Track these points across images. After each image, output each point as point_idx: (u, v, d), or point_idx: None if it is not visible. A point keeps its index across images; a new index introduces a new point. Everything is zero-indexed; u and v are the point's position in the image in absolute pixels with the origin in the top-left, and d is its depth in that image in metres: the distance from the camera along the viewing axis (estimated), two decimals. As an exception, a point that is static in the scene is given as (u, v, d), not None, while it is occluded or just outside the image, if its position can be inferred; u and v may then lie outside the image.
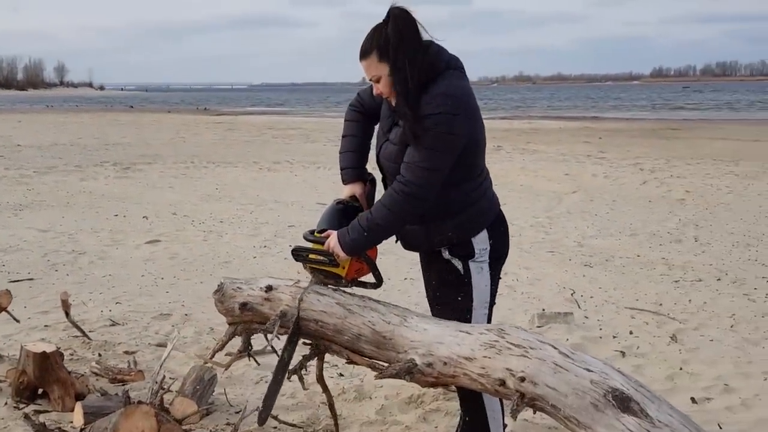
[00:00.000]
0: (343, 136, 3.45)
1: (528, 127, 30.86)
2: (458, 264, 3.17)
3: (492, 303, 3.28)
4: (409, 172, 2.98)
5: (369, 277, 3.31)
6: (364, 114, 3.40)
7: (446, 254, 3.19)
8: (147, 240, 8.74)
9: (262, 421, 3.41)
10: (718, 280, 7.17)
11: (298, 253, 3.26)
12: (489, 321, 3.27)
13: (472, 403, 3.27)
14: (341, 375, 4.80)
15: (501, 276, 3.36)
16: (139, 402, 3.38)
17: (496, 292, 3.30)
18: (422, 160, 2.94)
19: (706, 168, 15.46)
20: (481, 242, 3.18)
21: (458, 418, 3.94)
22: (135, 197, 11.98)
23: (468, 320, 3.15)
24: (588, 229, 9.67)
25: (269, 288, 3.32)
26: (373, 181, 3.39)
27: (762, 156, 17.62)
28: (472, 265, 3.17)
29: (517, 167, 15.92)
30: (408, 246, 3.36)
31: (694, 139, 23.25)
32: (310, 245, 3.24)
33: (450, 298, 3.22)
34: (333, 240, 3.12)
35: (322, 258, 3.19)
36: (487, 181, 3.24)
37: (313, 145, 21.85)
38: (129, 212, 10.57)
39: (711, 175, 14.44)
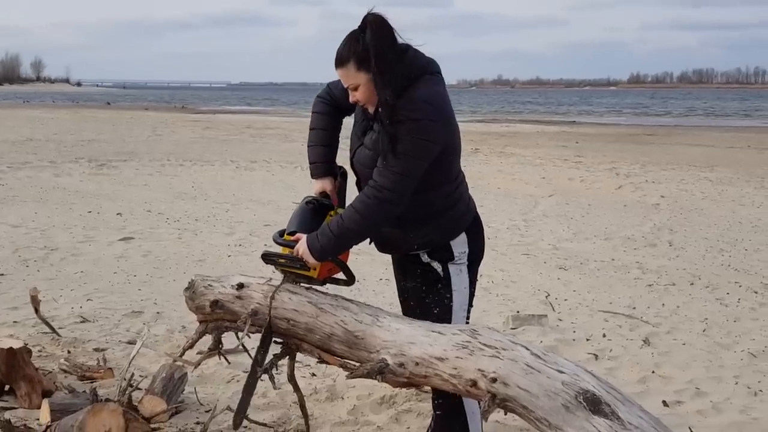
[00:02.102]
0: (311, 129, 3.37)
1: (505, 131, 30.96)
2: (438, 267, 3.15)
3: (470, 305, 3.27)
4: (381, 177, 2.93)
5: (342, 273, 3.28)
6: (333, 106, 3.33)
7: (425, 258, 3.16)
8: (120, 237, 8.66)
9: (236, 425, 3.39)
10: (692, 284, 7.22)
11: (269, 258, 3.22)
12: (467, 320, 3.25)
13: (450, 403, 3.24)
14: (313, 375, 4.77)
15: (477, 278, 3.34)
16: (107, 400, 3.34)
17: (473, 294, 3.28)
18: (396, 165, 2.90)
19: (681, 174, 15.59)
20: (460, 245, 3.16)
21: (430, 419, 3.94)
22: (109, 194, 11.87)
23: (448, 323, 3.13)
24: (563, 232, 9.71)
25: (241, 286, 3.28)
26: (344, 175, 3.35)
27: (736, 162, 17.79)
28: (451, 267, 3.16)
29: (494, 170, 15.96)
30: (383, 249, 3.32)
31: (670, 145, 23.42)
32: (279, 250, 3.20)
33: (430, 302, 3.19)
34: (302, 246, 3.07)
35: (292, 263, 3.15)
36: (463, 185, 3.22)
37: (291, 144, 21.78)
38: (103, 209, 10.47)
39: (686, 180, 14.56)
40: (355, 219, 2.98)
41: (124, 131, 25.50)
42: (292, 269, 3.18)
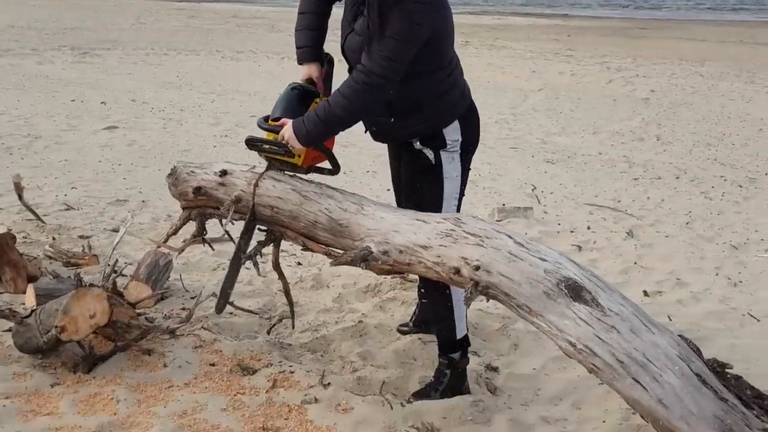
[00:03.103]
0: (299, 13, 3.27)
1: (497, 23, 30.38)
2: (430, 154, 3.12)
3: (461, 194, 3.26)
4: (370, 61, 2.85)
5: (327, 163, 3.25)
6: None
7: (417, 144, 3.13)
8: (104, 126, 8.55)
9: (219, 309, 3.42)
10: (677, 178, 7.24)
11: (253, 143, 3.17)
12: (458, 210, 3.25)
13: (436, 292, 3.27)
14: (299, 264, 4.80)
15: (470, 168, 3.32)
16: (91, 285, 3.35)
17: (466, 183, 3.27)
18: (385, 49, 2.82)
19: (672, 68, 15.41)
20: (453, 133, 3.13)
21: (414, 306, 3.99)
22: (93, 83, 11.66)
23: (438, 210, 3.13)
24: (552, 126, 9.65)
25: (224, 173, 3.25)
26: (330, 62, 3.26)
27: (727, 57, 17.59)
28: (443, 155, 3.13)
29: (484, 63, 15.73)
30: (378, 137, 3.29)
31: (662, 39, 23.08)
32: (264, 135, 3.15)
33: (421, 189, 3.18)
34: (288, 131, 3.01)
35: (276, 148, 3.10)
36: (457, 70, 3.16)
37: (278, 35, 21.34)
38: (86, 97, 10.30)
39: (676, 75, 14.40)
40: (343, 104, 2.91)
41: (108, 19, 24.89)
42: (276, 156, 3.14)
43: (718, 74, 14.50)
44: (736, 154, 8.29)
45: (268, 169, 3.21)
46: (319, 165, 3.24)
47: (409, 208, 3.13)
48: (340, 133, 3.09)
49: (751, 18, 37.24)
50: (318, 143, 3.08)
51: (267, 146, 3.12)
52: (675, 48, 19.88)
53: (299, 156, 3.12)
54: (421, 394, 3.31)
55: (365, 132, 3.29)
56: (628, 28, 28.55)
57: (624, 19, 36.94)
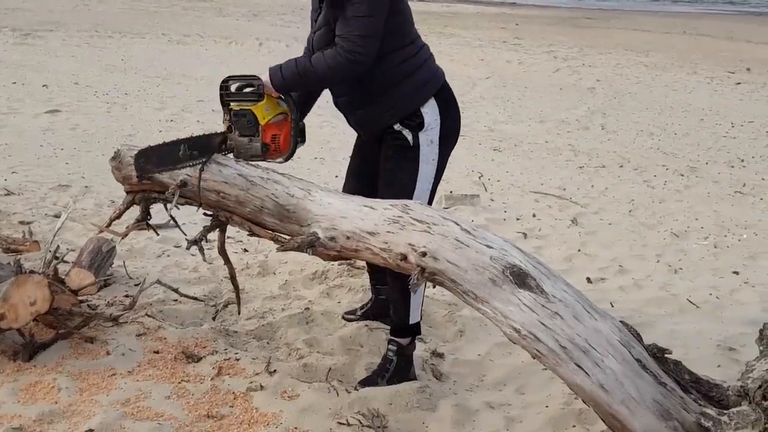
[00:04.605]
0: None
1: (446, 11, 30.45)
2: (408, 135, 3.17)
3: (437, 182, 3.30)
4: (349, 42, 2.97)
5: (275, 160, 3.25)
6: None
7: (397, 125, 3.17)
8: (46, 109, 8.37)
9: (139, 174, 3.10)
10: (621, 166, 7.35)
11: (227, 84, 3.17)
12: (431, 198, 3.28)
13: (398, 275, 3.28)
14: (245, 251, 4.77)
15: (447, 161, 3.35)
16: (32, 272, 3.28)
17: (442, 172, 3.31)
18: (357, 28, 2.96)
19: (617, 58, 15.62)
20: (431, 112, 3.19)
21: (361, 293, 4.00)
22: (35, 65, 11.40)
23: (411, 192, 3.17)
24: (499, 114, 9.72)
25: (169, 157, 3.20)
26: (302, 130, 3.37)
27: (671, 48, 17.88)
28: (422, 136, 3.18)
29: (433, 51, 15.59)
30: (362, 127, 3.35)
31: (608, 29, 23.37)
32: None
33: (396, 171, 3.22)
34: (264, 76, 3.12)
35: (251, 91, 3.11)
36: (424, 51, 3.27)
37: (225, 19, 21.12)
38: (28, 80, 10.07)
39: (621, 65, 14.60)
40: (324, 67, 3.03)
41: (50, 0, 24.38)
42: (245, 104, 3.12)
43: (662, 65, 14.74)
44: (678, 143, 8.45)
45: (224, 134, 3.17)
46: (270, 159, 3.23)
47: (383, 192, 3.17)
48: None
49: (693, 9, 37.85)
50: (289, 91, 3.17)
51: (240, 85, 3.14)
52: (620, 38, 20.14)
53: (264, 119, 3.12)
54: (367, 381, 3.31)
55: (358, 140, 3.45)
56: (575, 18, 28.85)
57: (571, 8, 37.22)
